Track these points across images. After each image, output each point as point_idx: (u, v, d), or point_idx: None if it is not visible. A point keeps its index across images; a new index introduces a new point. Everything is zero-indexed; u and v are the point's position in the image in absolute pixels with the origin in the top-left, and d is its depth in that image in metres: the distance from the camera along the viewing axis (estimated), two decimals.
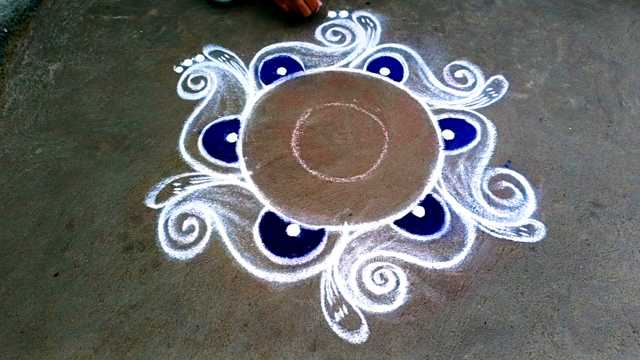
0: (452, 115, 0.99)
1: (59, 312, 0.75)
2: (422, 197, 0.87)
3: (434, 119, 0.98)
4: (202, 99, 1.01)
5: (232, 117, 0.99)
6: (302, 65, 1.07)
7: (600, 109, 1.00)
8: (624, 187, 0.89)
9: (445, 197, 0.87)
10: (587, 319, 0.74)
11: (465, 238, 0.82)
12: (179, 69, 1.07)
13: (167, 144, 0.94)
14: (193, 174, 0.90)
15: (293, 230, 0.83)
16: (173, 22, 1.17)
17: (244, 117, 0.99)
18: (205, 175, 0.90)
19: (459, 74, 1.06)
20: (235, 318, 0.74)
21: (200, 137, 0.95)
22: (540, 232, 0.83)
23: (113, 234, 0.83)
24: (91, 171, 0.90)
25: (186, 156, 0.93)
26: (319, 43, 1.12)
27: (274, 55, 1.09)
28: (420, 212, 0.85)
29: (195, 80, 1.05)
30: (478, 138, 0.95)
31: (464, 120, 0.98)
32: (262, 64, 1.08)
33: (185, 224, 0.84)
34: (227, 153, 0.93)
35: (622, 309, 0.75)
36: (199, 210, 0.85)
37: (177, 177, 0.90)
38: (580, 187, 0.89)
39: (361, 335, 0.72)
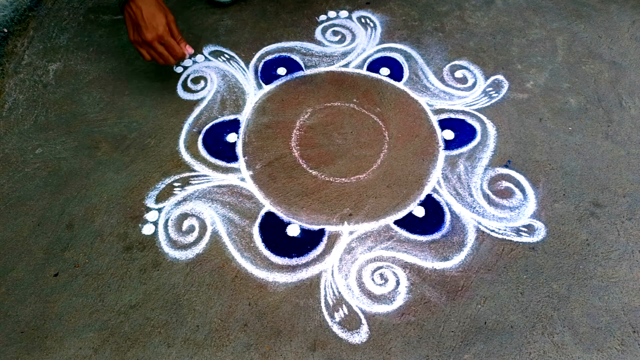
0: (452, 115, 0.99)
1: (59, 312, 0.75)
2: (422, 197, 0.87)
3: (434, 119, 0.98)
4: (202, 99, 1.01)
5: (232, 117, 0.99)
6: (302, 65, 1.07)
7: (600, 109, 1.00)
8: (624, 187, 0.89)
9: (445, 197, 0.87)
10: (587, 319, 0.74)
11: (465, 238, 0.82)
12: (179, 69, 1.07)
13: (167, 144, 0.94)
14: (193, 174, 0.90)
15: (293, 230, 0.83)
16: None
17: (244, 117, 0.99)
18: (205, 175, 0.90)
19: (459, 74, 1.06)
20: (235, 318, 0.74)
21: (200, 137, 0.95)
22: (540, 232, 0.83)
23: (113, 234, 0.83)
24: (91, 171, 0.90)
25: (186, 156, 0.93)
26: (319, 43, 1.12)
27: (274, 55, 1.09)
28: (420, 212, 0.85)
29: (195, 80, 1.05)
30: (478, 138, 0.95)
31: (464, 120, 0.98)
32: (262, 64, 1.08)
33: (185, 224, 0.84)
34: (227, 153, 0.93)
35: (622, 309, 0.75)
36: (199, 210, 0.85)
37: (177, 177, 0.90)
38: (580, 187, 0.89)
39: (361, 335, 0.72)
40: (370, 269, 0.79)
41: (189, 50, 0.92)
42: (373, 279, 0.78)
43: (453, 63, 1.08)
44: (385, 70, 1.06)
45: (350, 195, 0.87)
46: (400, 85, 1.04)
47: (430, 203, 0.86)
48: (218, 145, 0.94)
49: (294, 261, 0.80)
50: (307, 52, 1.10)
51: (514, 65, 1.08)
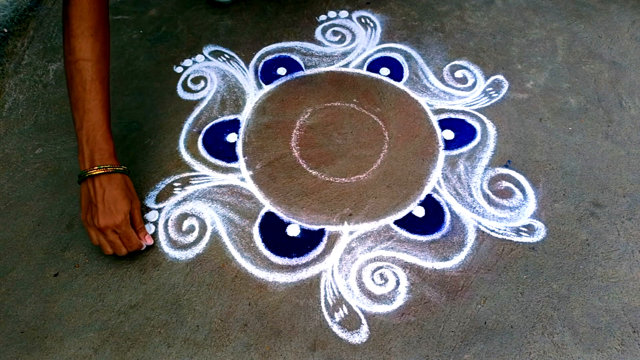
0: (452, 115, 0.99)
1: (59, 312, 0.75)
2: (422, 197, 0.87)
3: (434, 119, 0.98)
4: (202, 99, 1.01)
5: (232, 117, 0.99)
6: (302, 65, 1.07)
7: (600, 109, 1.00)
8: (624, 187, 0.89)
9: (445, 197, 0.87)
10: (587, 319, 0.74)
11: (465, 238, 0.82)
12: (179, 69, 1.07)
13: (167, 144, 0.94)
14: (193, 174, 0.90)
15: (293, 230, 0.83)
16: (173, 22, 1.17)
17: (244, 117, 0.99)
18: (205, 175, 0.90)
19: (459, 74, 1.06)
20: (235, 318, 0.74)
21: (200, 137, 0.95)
22: (540, 232, 0.83)
23: None
24: None
25: (186, 156, 0.93)
26: (319, 43, 1.12)
27: (274, 55, 1.09)
28: (420, 212, 0.85)
29: (195, 80, 1.05)
30: (478, 138, 0.95)
31: (464, 120, 0.98)
32: (262, 64, 1.08)
33: (185, 224, 0.84)
34: (227, 153, 0.93)
35: (622, 309, 0.75)
36: (199, 210, 0.85)
37: (177, 177, 0.90)
38: (580, 187, 0.89)
39: (361, 335, 0.72)
40: (370, 269, 0.79)
41: (148, 241, 0.79)
42: (373, 279, 0.78)
43: (453, 63, 1.08)
44: (385, 70, 1.06)
45: (350, 195, 0.87)
46: (400, 85, 1.04)
47: (430, 203, 0.86)
48: (218, 145, 0.94)
49: (294, 261, 0.80)
50: (307, 52, 1.10)
51: (514, 65, 1.08)
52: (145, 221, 0.84)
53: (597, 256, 0.81)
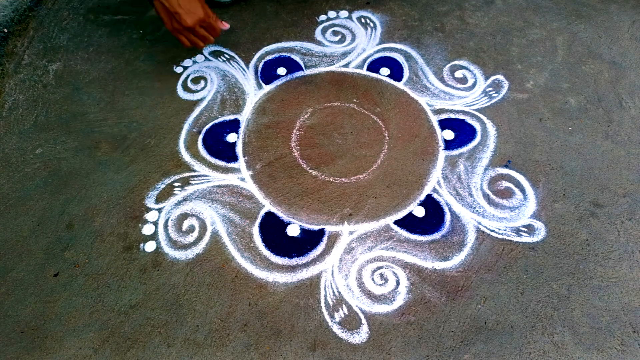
0: (452, 115, 0.99)
1: (59, 312, 0.75)
2: (422, 197, 0.87)
3: (434, 119, 0.98)
4: (202, 99, 1.01)
5: (232, 117, 0.99)
6: (302, 65, 1.07)
7: (600, 109, 1.00)
8: (624, 187, 0.89)
9: (445, 197, 0.87)
10: (587, 319, 0.74)
11: (465, 238, 0.82)
12: (179, 69, 1.07)
13: (167, 144, 0.94)
14: (193, 174, 0.90)
15: (293, 230, 0.83)
16: None
17: (244, 117, 0.99)
18: (205, 175, 0.90)
19: (459, 74, 1.06)
20: (235, 318, 0.74)
21: (200, 137, 0.95)
22: (540, 232, 0.83)
23: (113, 234, 0.83)
24: (91, 171, 0.90)
25: (186, 156, 0.93)
26: (319, 43, 1.12)
27: (274, 55, 1.09)
28: (420, 212, 0.85)
29: (195, 80, 1.05)
30: (478, 138, 0.95)
31: (464, 120, 0.98)
32: (262, 64, 1.08)
33: (185, 224, 0.84)
34: (227, 153, 0.93)
35: (622, 309, 0.75)
36: (199, 210, 0.85)
37: (177, 177, 0.90)
38: (580, 187, 0.89)
39: (361, 335, 0.72)
40: (370, 269, 0.79)
41: (226, 26, 0.97)
42: (373, 279, 0.78)
43: (453, 63, 1.08)
44: (385, 70, 1.06)
45: (350, 195, 0.87)
46: (400, 85, 1.04)
47: (430, 203, 0.86)
48: (218, 145, 0.94)
49: (294, 261, 0.80)
50: (307, 52, 1.10)
51: (514, 65, 1.08)
52: (145, 221, 0.84)
53: (597, 256, 0.81)
